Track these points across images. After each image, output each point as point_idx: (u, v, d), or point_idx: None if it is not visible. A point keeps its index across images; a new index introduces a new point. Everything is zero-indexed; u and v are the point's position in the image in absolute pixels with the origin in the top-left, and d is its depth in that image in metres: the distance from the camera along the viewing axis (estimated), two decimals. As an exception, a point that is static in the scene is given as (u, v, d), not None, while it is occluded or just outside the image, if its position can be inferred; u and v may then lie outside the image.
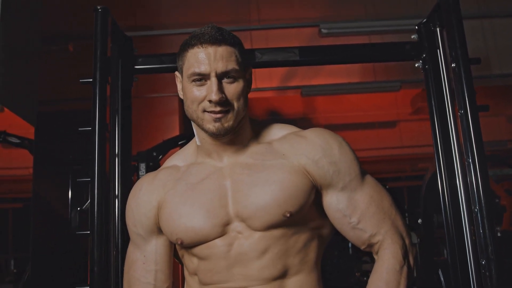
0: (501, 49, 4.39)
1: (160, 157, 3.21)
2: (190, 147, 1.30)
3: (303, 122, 5.68)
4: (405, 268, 1.16)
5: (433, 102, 1.63)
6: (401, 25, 4.02)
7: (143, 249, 1.25)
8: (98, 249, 1.37)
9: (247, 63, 1.20)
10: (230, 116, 1.14)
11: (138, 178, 2.86)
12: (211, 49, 1.13)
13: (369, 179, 1.22)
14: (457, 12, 1.50)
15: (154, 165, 3.06)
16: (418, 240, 3.42)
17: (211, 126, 1.14)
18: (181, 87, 1.21)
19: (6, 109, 2.55)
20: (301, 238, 1.18)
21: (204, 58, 1.12)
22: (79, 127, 1.50)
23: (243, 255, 1.14)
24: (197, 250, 1.18)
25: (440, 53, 1.62)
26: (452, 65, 1.49)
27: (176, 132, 4.35)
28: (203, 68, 1.12)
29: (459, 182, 1.50)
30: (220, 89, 1.12)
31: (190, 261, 1.23)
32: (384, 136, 5.97)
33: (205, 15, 4.30)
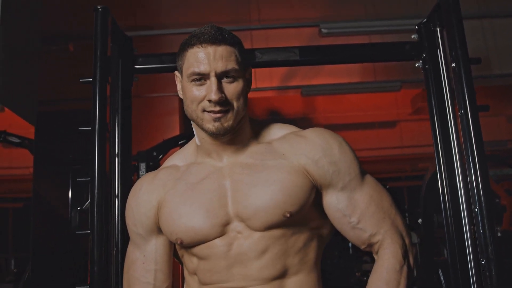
0: (501, 49, 4.39)
1: (160, 156, 3.21)
2: (190, 147, 1.30)
3: (303, 122, 5.68)
4: (405, 268, 1.16)
5: (433, 102, 1.63)
6: (401, 25, 4.02)
7: (143, 248, 1.25)
8: (98, 249, 1.37)
9: (246, 62, 1.20)
10: (230, 115, 1.14)
11: (139, 177, 2.87)
12: (210, 49, 1.12)
13: (369, 178, 1.22)
14: (457, 12, 1.50)
15: (154, 165, 3.06)
16: (418, 240, 3.42)
17: (211, 125, 1.14)
18: (180, 86, 1.21)
19: (6, 109, 2.56)
20: (301, 238, 1.18)
21: (203, 57, 1.12)
22: (79, 127, 1.50)
23: (243, 255, 1.14)
24: (196, 250, 1.18)
25: (440, 53, 1.62)
26: (452, 65, 1.49)
27: (176, 131, 4.35)
28: (203, 68, 1.12)
29: (459, 182, 1.50)
30: (220, 88, 1.12)
31: (189, 261, 1.23)
32: (384, 136, 5.97)
33: (205, 15, 4.30)
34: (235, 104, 1.14)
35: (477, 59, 1.52)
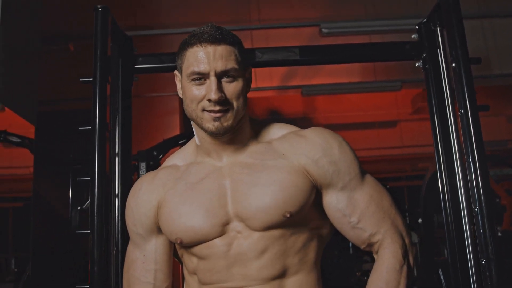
0: (502, 49, 4.39)
1: (161, 156, 3.21)
2: (189, 147, 1.30)
3: (303, 122, 5.68)
4: (405, 268, 1.16)
5: (433, 101, 1.63)
6: (402, 25, 4.02)
7: (143, 248, 1.25)
8: (98, 249, 1.37)
9: (246, 62, 1.20)
10: (230, 115, 1.14)
11: (139, 177, 2.86)
12: (210, 48, 1.12)
13: (369, 178, 1.22)
14: (457, 11, 1.50)
15: (154, 164, 3.06)
16: (418, 239, 3.42)
17: (211, 125, 1.14)
18: (180, 86, 1.21)
19: (6, 109, 2.56)
20: (301, 238, 1.18)
21: (203, 57, 1.12)
22: (80, 127, 1.50)
23: (242, 255, 1.14)
24: (196, 249, 1.18)
25: (441, 52, 1.62)
26: (453, 64, 1.49)
27: (176, 131, 4.35)
28: (202, 67, 1.12)
29: (459, 181, 1.50)
30: (220, 88, 1.12)
31: (189, 261, 1.23)
32: (384, 135, 5.97)
33: (206, 15, 4.30)
34: (234, 104, 1.14)
35: (477, 59, 1.52)
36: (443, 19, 1.57)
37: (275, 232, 1.14)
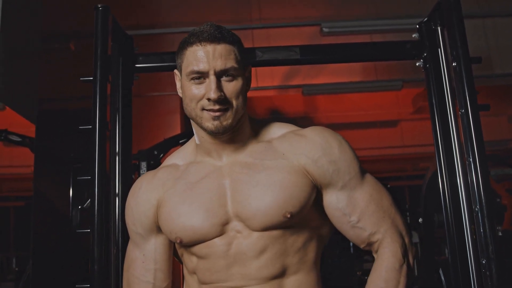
0: (503, 48, 4.39)
1: (161, 155, 3.21)
2: (189, 146, 1.30)
3: (304, 121, 5.67)
4: (404, 267, 1.15)
5: (434, 101, 1.63)
6: (402, 24, 4.02)
7: (143, 247, 1.25)
8: (98, 247, 1.38)
9: (246, 61, 1.20)
10: (229, 114, 1.14)
11: (140, 176, 2.86)
12: (210, 47, 1.12)
13: (368, 177, 1.22)
14: (458, 11, 1.50)
15: (155, 164, 3.06)
16: (419, 239, 3.42)
17: (210, 124, 1.14)
18: (180, 85, 1.21)
19: (7, 108, 2.56)
20: (300, 237, 1.18)
21: (202, 56, 1.12)
22: (80, 126, 1.50)
23: (242, 255, 1.14)
24: (196, 249, 1.18)
25: (441, 52, 1.61)
26: (453, 64, 1.49)
27: (177, 130, 4.36)
28: (202, 66, 1.12)
29: (459, 181, 1.50)
30: (219, 87, 1.12)
31: (189, 260, 1.23)
32: (385, 135, 5.97)
33: (206, 14, 4.30)
34: (234, 103, 1.14)
35: (477, 58, 1.52)
36: (444, 18, 1.57)
37: (275, 232, 1.14)
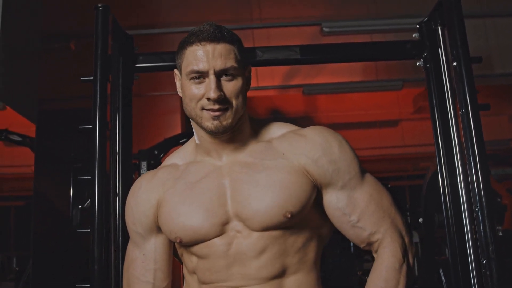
0: (503, 48, 4.38)
1: (162, 155, 3.21)
2: (189, 146, 1.30)
3: (304, 121, 5.67)
4: (404, 267, 1.15)
5: (434, 100, 1.63)
6: (403, 24, 4.01)
7: (142, 247, 1.25)
8: (98, 247, 1.38)
9: (246, 61, 1.20)
10: (229, 114, 1.14)
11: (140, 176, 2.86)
12: (209, 47, 1.12)
13: (368, 177, 1.22)
14: (458, 10, 1.50)
15: (155, 163, 3.06)
16: (419, 239, 3.42)
17: (210, 124, 1.14)
18: (180, 85, 1.21)
19: (7, 107, 2.56)
20: (300, 237, 1.17)
21: (202, 55, 1.12)
22: (80, 125, 1.50)
23: (242, 254, 1.14)
24: (196, 249, 1.18)
25: (442, 51, 1.61)
26: (454, 63, 1.48)
27: (177, 130, 4.35)
28: (202, 66, 1.12)
29: (460, 181, 1.50)
30: (219, 86, 1.12)
31: (189, 260, 1.23)
32: (386, 135, 5.96)
33: (207, 14, 4.30)
34: (234, 102, 1.14)
35: (478, 58, 1.52)
36: (444, 18, 1.57)
37: (275, 232, 1.14)
